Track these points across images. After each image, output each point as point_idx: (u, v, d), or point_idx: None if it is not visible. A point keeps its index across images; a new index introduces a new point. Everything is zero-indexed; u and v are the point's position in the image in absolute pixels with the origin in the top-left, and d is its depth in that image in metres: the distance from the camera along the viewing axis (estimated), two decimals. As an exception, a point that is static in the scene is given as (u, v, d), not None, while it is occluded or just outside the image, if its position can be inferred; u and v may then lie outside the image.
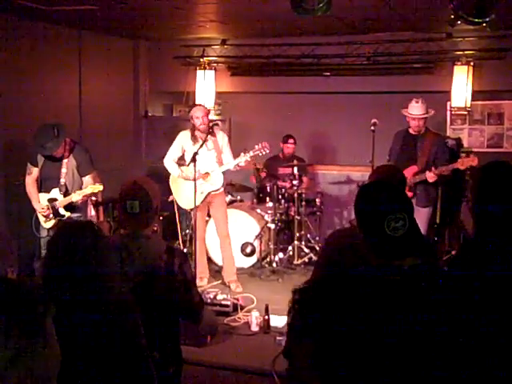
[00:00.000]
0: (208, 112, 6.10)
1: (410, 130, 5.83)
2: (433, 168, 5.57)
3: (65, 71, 7.09)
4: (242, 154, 5.94)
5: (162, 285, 2.71)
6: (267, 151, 6.01)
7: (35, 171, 5.51)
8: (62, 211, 5.44)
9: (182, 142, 6.09)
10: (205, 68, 7.87)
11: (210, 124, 5.92)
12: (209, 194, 6.09)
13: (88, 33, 7.27)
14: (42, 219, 5.55)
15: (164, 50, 8.25)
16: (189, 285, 2.83)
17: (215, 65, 8.00)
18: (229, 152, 6.09)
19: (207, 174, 6.00)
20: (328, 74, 7.70)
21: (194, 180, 5.50)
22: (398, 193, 2.06)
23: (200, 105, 6.23)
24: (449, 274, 2.28)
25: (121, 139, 8.13)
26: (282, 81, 8.00)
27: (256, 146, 5.94)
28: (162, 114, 9.08)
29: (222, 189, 6.26)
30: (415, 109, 5.74)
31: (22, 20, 6.26)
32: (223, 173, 6.07)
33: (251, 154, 5.90)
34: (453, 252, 6.29)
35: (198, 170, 5.70)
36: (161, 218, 7.77)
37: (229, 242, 6.29)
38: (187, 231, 7.27)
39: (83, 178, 5.49)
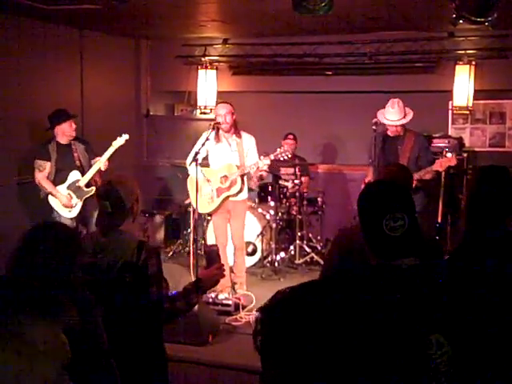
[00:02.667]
0: (232, 111, 5.59)
1: (389, 132, 5.66)
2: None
3: (66, 70, 7.09)
4: (262, 157, 5.63)
5: (131, 281, 2.69)
6: (289, 155, 5.74)
7: (48, 166, 5.73)
8: (85, 189, 5.79)
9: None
10: (206, 67, 7.87)
11: (212, 123, 5.74)
12: (226, 199, 5.70)
13: (89, 32, 7.27)
14: (64, 211, 5.76)
15: (165, 49, 8.25)
16: (147, 281, 2.74)
17: (217, 64, 7.99)
18: (255, 156, 5.67)
19: (226, 177, 5.65)
20: (329, 73, 7.70)
21: (196, 181, 5.42)
22: (400, 192, 2.05)
23: (226, 102, 5.71)
24: (446, 275, 2.29)
25: (122, 138, 8.12)
26: (283, 80, 8.00)
27: (278, 150, 5.65)
28: (163, 114, 9.07)
29: (245, 196, 5.86)
30: (391, 115, 5.54)
31: (23, 19, 6.26)
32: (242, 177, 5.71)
33: (272, 157, 5.59)
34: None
35: (221, 173, 5.61)
36: (162, 217, 7.79)
37: (242, 253, 5.96)
38: (187, 230, 7.25)
39: (92, 160, 5.92)
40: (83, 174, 5.83)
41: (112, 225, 2.83)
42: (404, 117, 5.56)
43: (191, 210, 6.44)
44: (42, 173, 5.71)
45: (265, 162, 5.58)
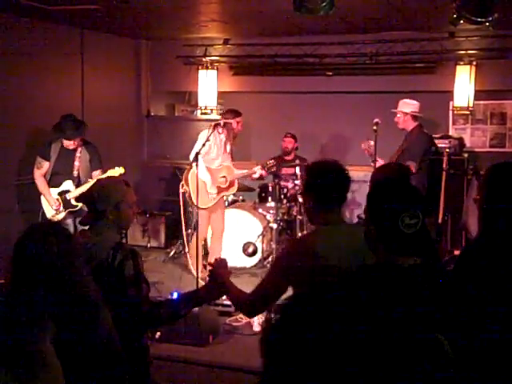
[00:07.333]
0: None
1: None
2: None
3: (67, 71, 7.09)
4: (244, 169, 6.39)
5: (103, 281, 2.65)
6: (274, 169, 6.45)
7: (46, 166, 5.69)
8: (73, 202, 5.64)
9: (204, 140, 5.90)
10: (207, 67, 7.87)
11: (213, 123, 5.89)
12: (222, 197, 6.30)
13: (90, 32, 7.27)
14: (49, 214, 5.68)
15: (166, 49, 8.25)
16: (123, 283, 2.71)
17: (217, 64, 7.99)
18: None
19: (225, 178, 6.19)
20: (330, 73, 7.69)
21: (197, 180, 5.45)
22: (415, 192, 2.09)
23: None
24: (449, 274, 2.28)
25: (123, 139, 8.12)
26: (284, 80, 7.99)
27: (267, 163, 6.39)
28: (164, 114, 9.07)
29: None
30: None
31: (23, 19, 6.26)
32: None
33: (244, 172, 6.37)
34: (455, 252, 6.28)
35: (221, 174, 6.04)
36: (163, 217, 7.79)
37: (219, 238, 6.44)
38: (189, 230, 7.25)
39: (93, 172, 5.73)
40: (78, 185, 5.69)
41: (91, 226, 2.86)
42: (412, 111, 5.79)
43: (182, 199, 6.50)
44: (40, 170, 5.71)
45: (258, 172, 6.37)
